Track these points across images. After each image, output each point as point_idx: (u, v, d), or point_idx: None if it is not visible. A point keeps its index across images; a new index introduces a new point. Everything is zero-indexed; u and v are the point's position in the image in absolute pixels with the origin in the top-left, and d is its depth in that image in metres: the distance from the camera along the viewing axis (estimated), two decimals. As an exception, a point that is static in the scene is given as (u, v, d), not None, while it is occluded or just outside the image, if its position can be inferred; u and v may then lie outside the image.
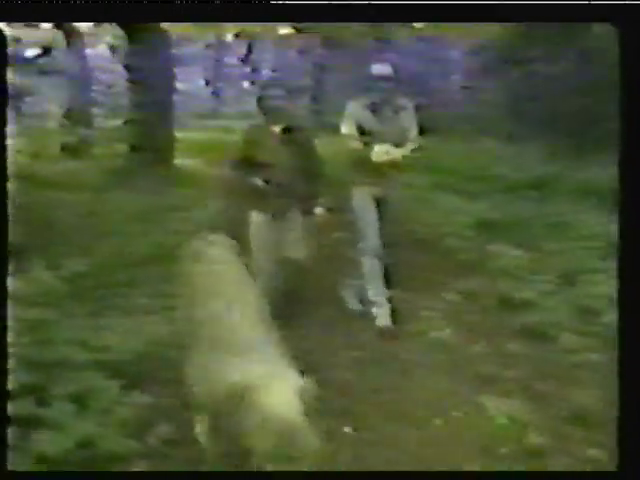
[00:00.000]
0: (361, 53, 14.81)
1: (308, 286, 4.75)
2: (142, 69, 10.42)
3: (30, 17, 2.92)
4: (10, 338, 3.17)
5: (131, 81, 10.93)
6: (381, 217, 4.50)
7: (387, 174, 4.40)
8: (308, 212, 4.33)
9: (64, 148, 11.35)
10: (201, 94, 22.27)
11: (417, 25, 15.51)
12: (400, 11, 3.06)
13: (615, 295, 2.51)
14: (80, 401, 2.87)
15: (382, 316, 4.44)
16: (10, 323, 3.29)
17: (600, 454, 2.94)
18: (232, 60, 22.95)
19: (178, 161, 11.06)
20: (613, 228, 5.79)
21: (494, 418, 3.20)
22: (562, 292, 4.69)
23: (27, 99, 11.79)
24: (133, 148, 10.14)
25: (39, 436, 2.59)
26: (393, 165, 4.40)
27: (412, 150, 4.47)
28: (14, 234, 4.43)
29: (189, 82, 20.94)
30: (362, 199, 4.51)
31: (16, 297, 3.73)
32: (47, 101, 12.60)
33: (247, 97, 19.85)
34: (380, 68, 4.44)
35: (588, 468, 2.89)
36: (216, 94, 22.64)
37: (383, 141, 4.35)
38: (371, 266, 4.46)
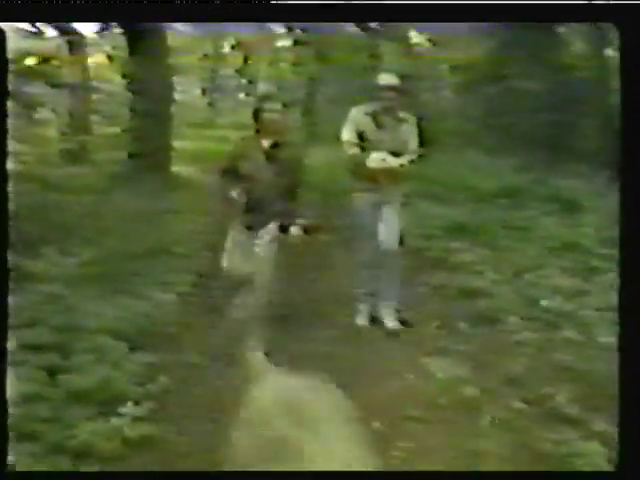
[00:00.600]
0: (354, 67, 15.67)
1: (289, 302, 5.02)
2: (142, 78, 11.18)
3: (30, 17, 3.13)
4: (34, 309, 3.90)
5: (130, 90, 11.70)
6: (380, 224, 4.66)
7: (385, 182, 4.55)
8: (285, 230, 4.37)
9: (64, 154, 12.04)
10: (197, 104, 23.05)
11: (413, 40, 16.37)
12: (400, 11, 3.10)
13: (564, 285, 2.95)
14: (95, 355, 3.56)
15: (389, 320, 4.73)
16: (34, 296, 4.02)
17: (525, 407, 3.61)
18: (228, 71, 23.83)
19: (175, 168, 11.81)
20: (569, 231, 6.55)
21: (438, 378, 3.90)
22: (513, 283, 5.41)
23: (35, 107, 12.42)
24: (131, 155, 10.88)
25: (66, 378, 3.27)
26: (391, 174, 4.55)
27: (410, 161, 4.60)
28: (32, 227, 5.18)
29: (185, 92, 21.69)
30: (361, 206, 4.70)
31: (38, 276, 4.45)
32: (49, 108, 13.29)
33: (242, 108, 20.61)
34: (387, 78, 4.59)
35: (516, 418, 3.52)
36: (212, 104, 23.46)
37: (381, 149, 4.53)
38: (365, 274, 4.75)
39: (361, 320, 4.83)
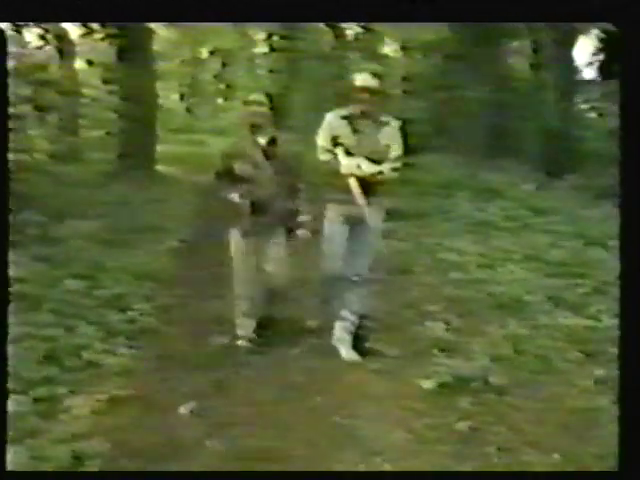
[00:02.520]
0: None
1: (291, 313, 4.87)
2: (126, 83, 12.94)
3: (30, 17, 3.35)
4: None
5: (115, 94, 13.40)
6: (352, 238, 4.36)
7: (354, 191, 4.22)
8: (291, 232, 4.33)
9: (53, 155, 13.67)
10: (176, 109, 24.50)
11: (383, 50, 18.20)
12: (399, 11, 3.13)
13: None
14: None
15: (345, 348, 4.42)
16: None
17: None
18: (207, 76, 25.31)
19: (159, 167, 13.56)
20: (481, 212, 8.43)
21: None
22: (432, 251, 7.17)
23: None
24: (120, 156, 12.60)
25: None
26: (369, 184, 4.24)
27: (392, 169, 4.29)
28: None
29: (164, 97, 23.14)
30: (333, 218, 4.39)
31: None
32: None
33: (221, 113, 22.08)
34: (363, 78, 4.31)
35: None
36: (190, 110, 24.88)
37: (356, 155, 4.24)
38: (333, 293, 4.45)
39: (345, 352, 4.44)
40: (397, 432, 3.39)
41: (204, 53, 24.77)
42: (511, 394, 3.84)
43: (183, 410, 3.58)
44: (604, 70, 15.30)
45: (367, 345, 4.47)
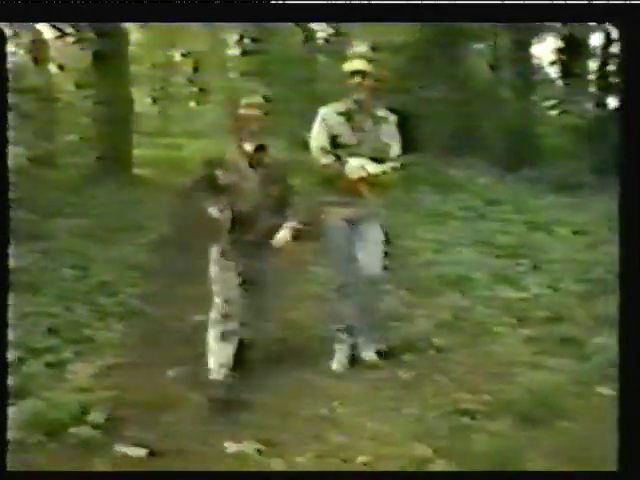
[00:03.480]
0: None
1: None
2: (100, 87, 13.59)
3: (30, 17, 3.28)
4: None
5: (90, 98, 14.01)
6: (355, 245, 4.20)
7: (364, 194, 4.06)
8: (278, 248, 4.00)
9: (32, 160, 14.25)
10: (148, 112, 24.99)
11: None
12: (399, 11, 3.13)
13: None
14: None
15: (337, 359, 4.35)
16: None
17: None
18: (179, 79, 25.85)
19: (136, 170, 14.23)
20: (442, 205, 9.26)
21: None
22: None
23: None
24: (98, 159, 13.25)
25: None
26: (373, 184, 4.07)
27: (393, 169, 4.14)
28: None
29: (137, 101, 23.63)
30: (336, 223, 4.19)
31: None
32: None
33: (194, 117, 22.66)
34: (357, 63, 4.14)
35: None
36: (162, 113, 25.40)
37: (359, 155, 4.05)
38: (342, 306, 4.32)
39: (337, 365, 4.34)
40: (352, 383, 4.14)
41: (176, 56, 25.44)
42: (452, 352, 4.60)
43: (170, 373, 4.27)
44: (565, 69, 16.16)
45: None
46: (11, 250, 3.26)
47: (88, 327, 4.99)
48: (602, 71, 13.93)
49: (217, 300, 3.95)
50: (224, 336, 3.92)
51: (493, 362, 4.43)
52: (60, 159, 13.92)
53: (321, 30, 18.62)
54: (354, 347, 4.43)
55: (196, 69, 25.03)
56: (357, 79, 4.10)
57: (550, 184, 10.02)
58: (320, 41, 18.86)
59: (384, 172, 4.11)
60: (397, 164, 4.21)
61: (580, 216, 8.10)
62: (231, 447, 3.32)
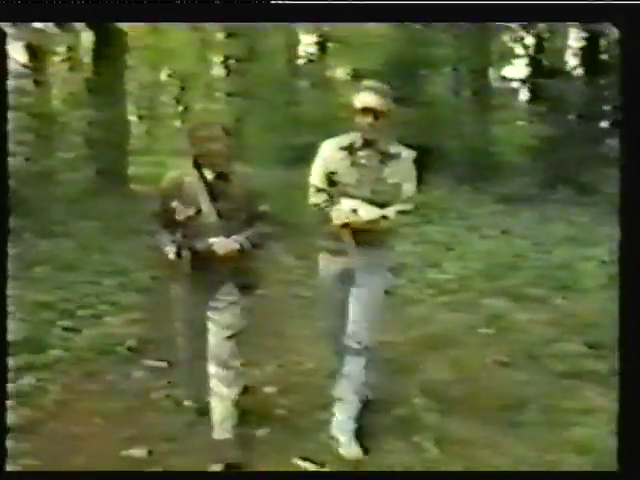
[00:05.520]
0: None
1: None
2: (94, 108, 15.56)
3: (30, 17, 3.24)
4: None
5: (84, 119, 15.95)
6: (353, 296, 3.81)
7: (346, 242, 3.68)
8: (247, 289, 3.78)
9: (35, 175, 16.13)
10: (134, 131, 26.66)
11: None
12: (399, 11, 3.15)
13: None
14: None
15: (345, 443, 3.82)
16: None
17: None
18: (165, 99, 27.61)
19: (133, 185, 16.18)
20: (405, 217, 11.27)
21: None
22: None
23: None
24: (97, 173, 15.20)
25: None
26: (372, 231, 3.67)
27: (400, 213, 3.72)
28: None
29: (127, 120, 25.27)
30: (328, 273, 3.90)
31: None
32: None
33: (179, 135, 24.33)
34: (367, 99, 3.63)
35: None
36: (149, 132, 27.07)
37: (358, 196, 3.68)
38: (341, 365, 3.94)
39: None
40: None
41: (162, 76, 27.22)
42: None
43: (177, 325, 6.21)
44: (534, 91, 18.19)
45: None
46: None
47: (109, 294, 6.99)
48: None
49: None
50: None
51: (414, 317, 6.40)
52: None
53: (302, 54, 20.57)
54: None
55: (182, 89, 26.39)
56: (369, 119, 3.63)
57: (494, 195, 12.10)
58: (302, 61, 20.35)
59: (384, 218, 3.68)
60: (407, 207, 3.75)
61: (509, 220, 10.20)
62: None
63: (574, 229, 9.68)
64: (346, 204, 3.70)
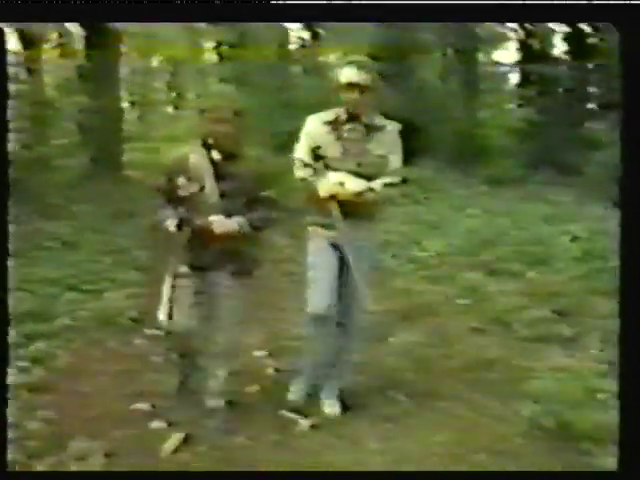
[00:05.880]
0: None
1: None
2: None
3: (30, 17, 3.15)
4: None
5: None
6: (340, 272, 3.91)
7: (333, 214, 3.76)
8: (241, 273, 3.84)
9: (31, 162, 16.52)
10: (127, 117, 26.91)
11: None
12: (399, 11, 3.18)
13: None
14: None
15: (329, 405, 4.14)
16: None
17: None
18: (157, 84, 27.84)
19: (126, 171, 16.59)
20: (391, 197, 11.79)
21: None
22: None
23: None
24: (92, 160, 15.61)
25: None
26: (358, 204, 3.76)
27: (387, 185, 3.81)
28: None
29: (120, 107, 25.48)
30: (316, 246, 3.96)
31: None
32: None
33: (172, 122, 24.59)
34: (351, 74, 3.73)
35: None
36: (141, 118, 27.32)
37: (342, 169, 3.77)
38: (315, 338, 4.05)
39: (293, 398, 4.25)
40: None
41: (154, 62, 27.43)
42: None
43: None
44: (524, 75, 18.57)
45: None
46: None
47: (109, 272, 7.50)
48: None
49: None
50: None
51: (395, 289, 6.90)
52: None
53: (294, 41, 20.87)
54: (314, 387, 4.28)
55: (173, 75, 26.54)
56: (353, 94, 3.74)
57: (479, 177, 12.61)
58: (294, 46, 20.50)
59: (371, 190, 3.78)
60: (394, 179, 3.86)
61: (492, 201, 10.72)
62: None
63: (553, 208, 10.18)
64: (333, 177, 3.78)
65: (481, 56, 17.70)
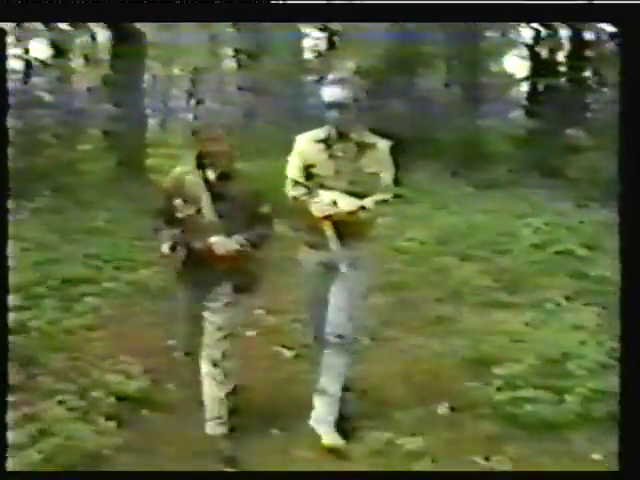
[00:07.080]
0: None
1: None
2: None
3: (30, 17, 3.19)
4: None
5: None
6: (335, 290, 3.98)
7: (328, 235, 3.83)
8: (243, 289, 3.97)
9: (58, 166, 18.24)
10: (149, 124, 28.04)
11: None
12: (399, 11, 3.33)
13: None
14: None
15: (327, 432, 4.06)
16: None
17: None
18: (177, 92, 29.19)
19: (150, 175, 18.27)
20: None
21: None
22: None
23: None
24: (119, 163, 17.33)
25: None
26: (350, 223, 3.83)
27: (378, 202, 3.90)
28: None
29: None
30: (309, 266, 4.08)
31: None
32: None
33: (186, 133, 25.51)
34: (331, 92, 3.85)
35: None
36: (162, 125, 28.59)
37: (335, 188, 3.86)
38: (326, 362, 4.06)
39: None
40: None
41: (175, 70, 28.85)
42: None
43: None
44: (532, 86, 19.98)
45: None
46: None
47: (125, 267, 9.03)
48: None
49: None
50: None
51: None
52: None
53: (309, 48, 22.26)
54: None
55: (193, 83, 28.00)
56: (337, 112, 3.87)
57: (467, 180, 14.24)
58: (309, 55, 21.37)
59: (362, 209, 3.87)
60: (386, 196, 3.99)
61: (475, 200, 12.34)
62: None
63: (528, 205, 11.74)
64: (325, 196, 3.87)
65: (484, 66, 19.12)
